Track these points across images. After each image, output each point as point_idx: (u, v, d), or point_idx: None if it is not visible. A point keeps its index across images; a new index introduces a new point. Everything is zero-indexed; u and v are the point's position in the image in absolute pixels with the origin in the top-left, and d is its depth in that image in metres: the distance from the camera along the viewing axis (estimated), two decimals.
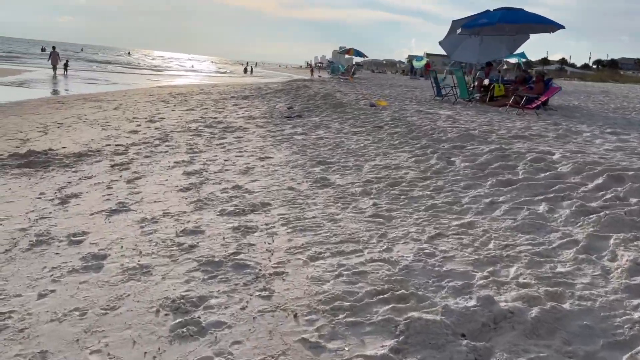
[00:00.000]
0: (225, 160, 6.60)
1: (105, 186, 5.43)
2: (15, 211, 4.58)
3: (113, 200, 4.89)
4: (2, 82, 20.08)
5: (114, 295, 2.96)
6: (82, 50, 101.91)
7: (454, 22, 14.70)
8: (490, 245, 3.36)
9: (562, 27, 12.42)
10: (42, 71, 29.70)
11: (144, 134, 8.91)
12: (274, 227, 4.01)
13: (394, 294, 2.76)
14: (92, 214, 4.47)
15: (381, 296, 2.75)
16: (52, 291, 3.03)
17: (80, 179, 5.75)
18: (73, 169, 6.24)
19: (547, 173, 4.62)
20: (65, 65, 29.34)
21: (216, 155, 6.92)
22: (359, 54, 34.82)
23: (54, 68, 27.47)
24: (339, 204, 4.46)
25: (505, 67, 26.60)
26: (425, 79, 43.20)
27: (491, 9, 13.63)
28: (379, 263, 3.17)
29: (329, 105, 11.48)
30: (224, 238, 3.81)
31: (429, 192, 4.56)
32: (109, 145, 7.79)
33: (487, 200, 4.16)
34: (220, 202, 4.72)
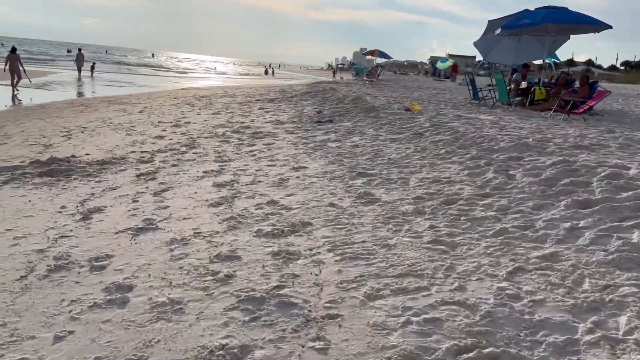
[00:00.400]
0: (256, 170, 6.15)
1: (130, 199, 5.03)
2: (33, 227, 4.21)
3: (139, 216, 4.47)
4: (28, 84, 20.15)
5: (141, 340, 2.51)
6: (106, 52, 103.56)
7: (490, 22, 14.01)
8: (586, 286, 2.80)
9: (609, 26, 11.64)
10: (67, 73, 29.94)
11: (170, 139, 8.54)
12: (319, 253, 3.52)
13: (482, 353, 2.24)
14: (116, 233, 4.05)
15: (466, 355, 2.23)
16: (71, 332, 2.61)
17: (104, 190, 5.37)
18: (96, 179, 5.87)
19: (630, 193, 4.02)
20: (92, 68, 29.54)
21: (247, 165, 6.48)
22: (383, 55, 34.15)
23: (79, 70, 27.64)
24: (390, 226, 3.94)
25: (530, 68, 25.59)
26: (451, 81, 42.42)
27: (531, 8, 12.92)
28: (454, 307, 2.65)
29: (360, 109, 10.96)
30: (263, 266, 3.33)
31: (493, 213, 4.00)
32: (134, 152, 7.43)
33: (566, 225, 3.59)
34: (255, 221, 4.25)
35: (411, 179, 5.24)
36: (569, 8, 12.31)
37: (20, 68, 18.31)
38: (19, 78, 18.27)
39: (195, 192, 5.23)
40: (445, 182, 4.95)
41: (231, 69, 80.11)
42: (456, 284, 2.89)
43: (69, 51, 61.44)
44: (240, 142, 8.18)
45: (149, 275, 3.26)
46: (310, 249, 3.59)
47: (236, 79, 45.48)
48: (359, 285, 2.97)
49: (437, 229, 3.80)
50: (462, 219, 3.98)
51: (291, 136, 8.56)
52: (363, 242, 3.64)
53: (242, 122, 10.52)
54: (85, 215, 4.50)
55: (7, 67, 18.15)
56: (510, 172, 4.99)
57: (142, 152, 7.43)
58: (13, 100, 15.69)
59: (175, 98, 17.82)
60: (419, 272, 3.09)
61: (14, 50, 19.06)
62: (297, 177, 5.67)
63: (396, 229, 3.86)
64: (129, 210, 4.67)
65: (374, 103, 11.59)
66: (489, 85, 14.26)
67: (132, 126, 10.16)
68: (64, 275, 3.31)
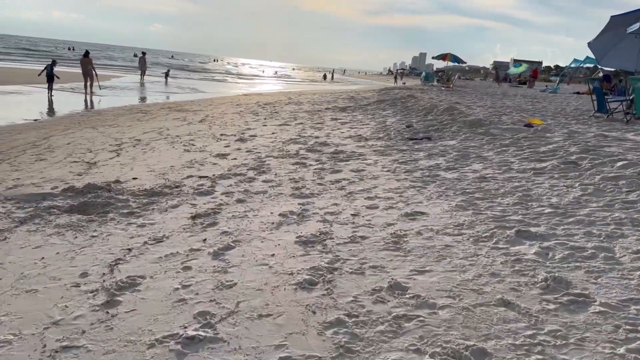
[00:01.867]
0: (353, 215, 4.38)
1: (180, 263, 3.41)
2: (30, 317, 2.67)
3: (190, 303, 2.82)
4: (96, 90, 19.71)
5: None
6: (172, 57, 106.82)
7: (613, 18, 11.55)
8: None
9: None
10: (130, 77, 29.88)
11: (234, 159, 6.98)
12: None
13: None
14: (150, 347, 2.40)
15: None
16: None
17: (145, 242, 3.79)
18: (139, 220, 4.33)
19: None
20: (167, 75, 29.30)
21: (336, 204, 4.72)
22: (456, 59, 31.57)
23: (142, 73, 27.37)
24: None
25: (600, 74, 22.60)
26: (528, 87, 39.19)
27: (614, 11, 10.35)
28: None
29: (461, 123, 8.95)
30: None
31: None
32: (191, 176, 5.90)
33: None
34: (382, 335, 2.45)
35: (616, 249, 3.25)
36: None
37: (93, 72, 18.27)
38: (92, 81, 18.27)
39: (272, 255, 3.53)
40: None
41: (290, 74, 79.73)
42: None
43: (135, 55, 63.15)
44: (320, 165, 6.46)
45: None
46: None
47: (296, 85, 44.40)
48: None
49: None
50: None
51: (384, 159, 6.74)
52: None
53: (317, 137, 8.83)
54: (110, 297, 2.90)
55: (80, 71, 18.37)
56: None
57: (200, 177, 5.89)
58: (86, 104, 15.60)
59: (237, 105, 16.56)
60: None
61: (86, 54, 19.15)
62: (418, 233, 3.83)
63: None
64: (176, 288, 3.02)
65: (476, 115, 9.53)
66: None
67: (191, 139, 8.75)
68: None
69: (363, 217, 4.31)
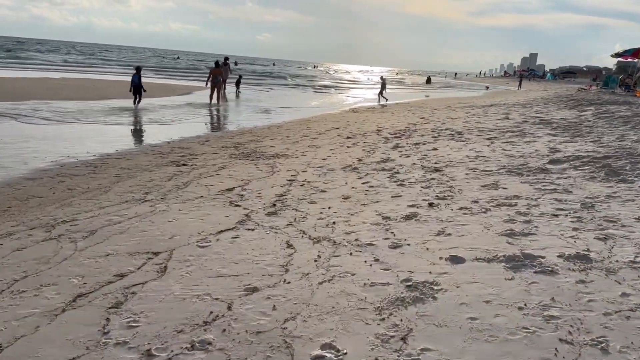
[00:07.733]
0: None
1: None
2: None
3: None
4: (159, 104, 14.23)
5: None
6: (274, 64, 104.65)
7: None
8: None
9: None
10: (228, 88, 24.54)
11: None
12: None
13: None
14: None
15: None
16: None
17: None
18: None
19: None
20: (237, 83, 23.57)
21: None
22: None
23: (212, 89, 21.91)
24: None
25: None
26: None
27: None
28: None
29: None
30: None
31: None
32: None
33: None
34: None
35: None
36: None
37: (223, 84, 17.70)
38: (218, 93, 17.14)
39: None
40: None
41: (394, 78, 72.13)
42: None
43: (235, 64, 59.53)
44: None
45: None
46: None
47: (404, 91, 36.80)
48: None
49: None
50: None
51: None
52: None
53: None
54: None
55: (210, 82, 16.92)
56: None
57: None
58: (213, 118, 13.41)
59: (348, 139, 9.65)
60: None
61: (217, 64, 17.60)
62: None
63: None
64: None
65: None
66: None
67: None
68: None
69: None
